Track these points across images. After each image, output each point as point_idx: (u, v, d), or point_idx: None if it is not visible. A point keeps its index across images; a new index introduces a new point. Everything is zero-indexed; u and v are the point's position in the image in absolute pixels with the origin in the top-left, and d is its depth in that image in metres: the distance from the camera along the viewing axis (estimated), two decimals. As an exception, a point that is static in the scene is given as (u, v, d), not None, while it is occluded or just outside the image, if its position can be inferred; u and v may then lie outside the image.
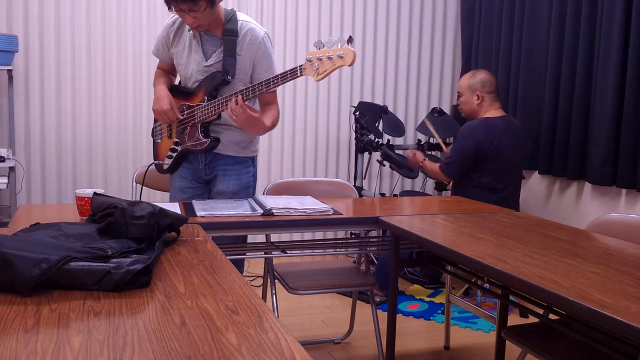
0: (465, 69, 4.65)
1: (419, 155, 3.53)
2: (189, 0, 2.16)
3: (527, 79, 3.99)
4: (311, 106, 4.57)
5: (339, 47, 2.05)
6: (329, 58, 2.07)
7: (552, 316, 1.90)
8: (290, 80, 2.18)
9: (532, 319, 3.00)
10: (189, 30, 2.39)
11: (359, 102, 4.41)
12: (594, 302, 1.28)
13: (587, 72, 3.54)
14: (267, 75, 2.35)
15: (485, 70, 3.44)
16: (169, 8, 2.22)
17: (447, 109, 4.66)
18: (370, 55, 4.66)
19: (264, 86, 2.20)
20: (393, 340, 2.37)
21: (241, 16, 2.40)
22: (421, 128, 4.11)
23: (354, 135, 4.22)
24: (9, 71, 3.66)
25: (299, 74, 2.14)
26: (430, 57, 4.82)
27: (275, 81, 2.18)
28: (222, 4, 2.38)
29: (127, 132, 4.13)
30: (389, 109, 4.33)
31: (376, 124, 4.18)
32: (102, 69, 4.04)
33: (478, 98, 3.33)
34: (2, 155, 3.56)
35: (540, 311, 1.97)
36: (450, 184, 3.54)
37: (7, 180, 3.55)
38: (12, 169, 3.57)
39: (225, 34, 2.35)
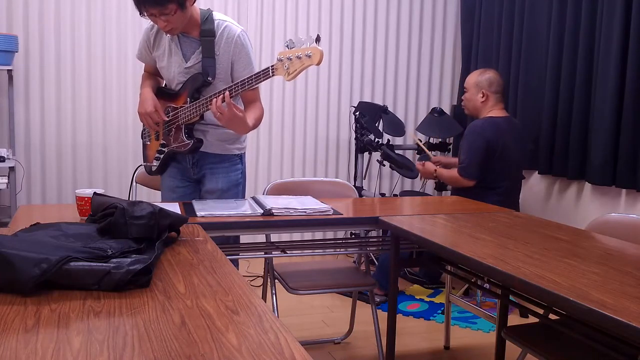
0: (465, 69, 4.65)
1: (430, 166, 3.48)
2: (157, 4, 2.16)
3: (527, 79, 3.99)
4: (311, 106, 4.56)
5: (308, 46, 2.05)
6: (298, 58, 2.07)
7: (552, 316, 1.90)
8: (264, 80, 2.17)
9: (532, 319, 3.00)
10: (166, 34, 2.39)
11: (359, 102, 4.40)
12: (594, 302, 1.28)
13: (587, 72, 3.53)
14: (246, 72, 2.35)
15: (494, 70, 3.43)
16: (141, 14, 2.22)
17: (447, 109, 4.65)
18: (370, 55, 4.65)
19: (239, 87, 2.20)
20: (393, 340, 2.37)
21: (217, 15, 2.39)
22: (422, 129, 4.11)
23: (354, 135, 4.22)
24: (9, 71, 3.66)
25: (270, 74, 2.14)
26: (430, 57, 4.82)
27: (250, 82, 2.18)
28: (199, 4, 2.36)
29: (127, 132, 4.13)
30: (389, 109, 4.33)
31: (376, 124, 4.18)
32: (102, 69, 4.04)
33: (483, 96, 3.32)
34: (2, 155, 3.56)
35: (540, 311, 1.97)
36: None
37: (7, 180, 3.55)
38: (12, 169, 3.57)
39: (202, 34, 2.35)
